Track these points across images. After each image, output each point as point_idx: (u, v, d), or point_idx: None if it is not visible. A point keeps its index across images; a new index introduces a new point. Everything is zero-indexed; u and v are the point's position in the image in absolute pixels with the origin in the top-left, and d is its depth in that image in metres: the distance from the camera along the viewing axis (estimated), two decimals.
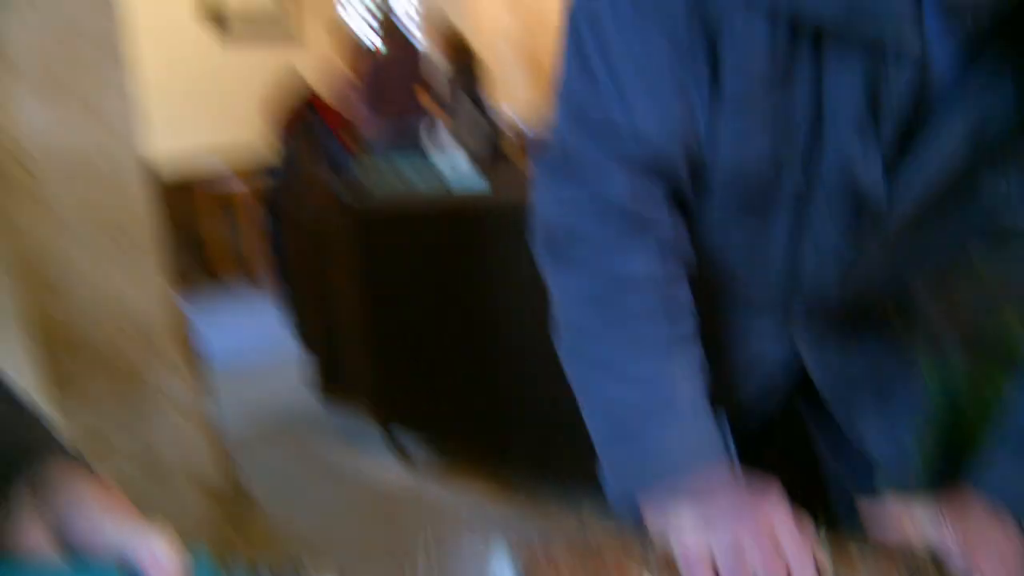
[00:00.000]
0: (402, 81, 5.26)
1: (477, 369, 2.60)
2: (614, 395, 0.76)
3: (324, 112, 4.45)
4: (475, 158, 3.28)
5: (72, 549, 0.57)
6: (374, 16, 5.38)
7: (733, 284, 0.86)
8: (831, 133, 0.68)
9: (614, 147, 0.73)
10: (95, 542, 0.57)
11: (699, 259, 0.81)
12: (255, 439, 3.30)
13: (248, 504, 2.39)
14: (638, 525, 0.73)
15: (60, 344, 1.86)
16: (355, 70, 5.28)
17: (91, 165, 1.89)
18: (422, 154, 3.96)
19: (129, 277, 1.98)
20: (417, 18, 7.04)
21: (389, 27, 5.31)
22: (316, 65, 5.79)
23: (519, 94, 6.10)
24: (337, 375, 3.32)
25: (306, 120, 4.32)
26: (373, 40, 5.37)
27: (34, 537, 0.57)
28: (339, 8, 7.04)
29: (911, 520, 0.69)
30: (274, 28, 6.52)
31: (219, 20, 6.21)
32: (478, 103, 5.23)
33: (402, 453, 2.98)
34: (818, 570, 0.64)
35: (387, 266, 2.83)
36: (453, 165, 2.97)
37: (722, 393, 0.81)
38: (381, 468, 2.94)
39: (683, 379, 0.75)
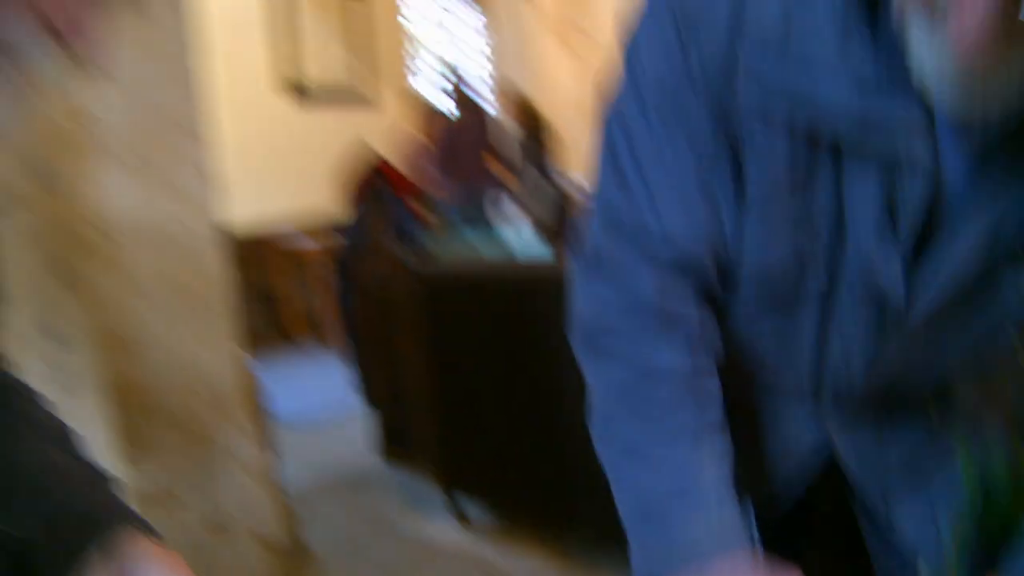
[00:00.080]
0: (473, 146, 5.36)
1: (542, 437, 2.58)
2: (642, 480, 0.79)
3: (393, 179, 4.55)
4: (541, 226, 3.31)
5: None
6: (447, 81, 5.52)
7: (763, 372, 0.88)
8: (852, 236, 0.71)
9: (644, 248, 0.77)
10: None
11: (730, 349, 0.84)
12: (318, 496, 3.32)
13: (308, 560, 2.40)
14: None
15: (134, 405, 1.92)
16: (427, 134, 5.39)
17: (168, 234, 1.97)
18: (489, 221, 4.01)
19: (202, 340, 2.04)
20: (488, 84, 7.21)
21: (460, 93, 5.44)
22: (390, 130, 5.94)
23: (587, 162, 6.14)
24: (402, 438, 3.33)
25: (375, 187, 4.42)
26: (446, 105, 5.50)
27: None
28: (411, 75, 7.25)
29: None
30: (350, 95, 6.74)
31: (299, 90, 6.45)
32: (546, 170, 5.29)
33: (463, 517, 2.96)
34: None
35: (453, 333, 2.85)
36: (519, 233, 3.00)
37: (755, 479, 0.84)
38: (442, 530, 2.93)
39: (709, 466, 0.77)
